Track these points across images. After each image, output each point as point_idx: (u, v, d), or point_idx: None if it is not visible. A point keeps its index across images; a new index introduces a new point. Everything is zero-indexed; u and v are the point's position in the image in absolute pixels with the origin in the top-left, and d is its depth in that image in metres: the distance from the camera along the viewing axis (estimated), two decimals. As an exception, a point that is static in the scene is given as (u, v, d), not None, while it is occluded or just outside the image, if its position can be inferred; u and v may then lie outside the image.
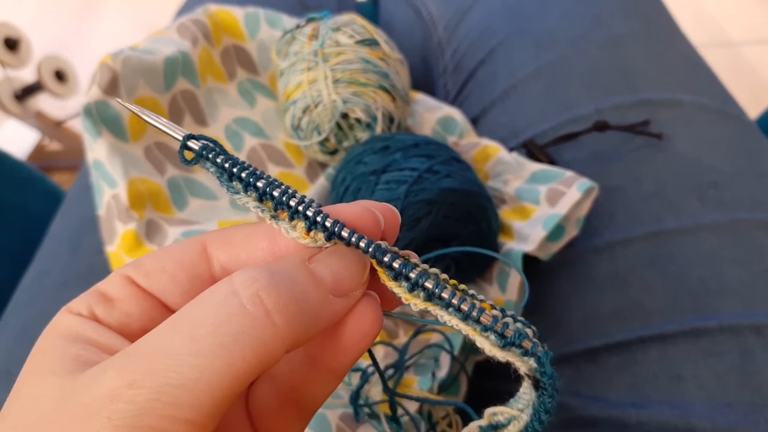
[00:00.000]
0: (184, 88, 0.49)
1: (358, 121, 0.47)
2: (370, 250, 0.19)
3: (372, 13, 0.72)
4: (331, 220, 0.19)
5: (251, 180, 0.19)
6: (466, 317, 0.18)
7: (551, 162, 0.48)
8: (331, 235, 0.19)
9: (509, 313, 0.19)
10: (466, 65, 0.59)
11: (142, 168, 0.44)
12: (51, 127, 1.29)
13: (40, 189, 0.70)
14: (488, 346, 0.18)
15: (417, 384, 0.37)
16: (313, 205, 0.19)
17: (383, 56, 0.47)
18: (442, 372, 0.39)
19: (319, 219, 0.19)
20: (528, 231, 0.43)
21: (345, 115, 0.46)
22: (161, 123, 0.20)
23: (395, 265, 0.19)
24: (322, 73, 0.45)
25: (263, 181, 0.20)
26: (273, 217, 0.20)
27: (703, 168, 0.45)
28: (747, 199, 0.43)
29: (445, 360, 0.40)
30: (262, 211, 0.20)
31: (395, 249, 0.20)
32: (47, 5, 1.72)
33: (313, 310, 0.17)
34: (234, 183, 0.20)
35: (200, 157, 0.20)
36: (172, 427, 0.15)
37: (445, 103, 0.55)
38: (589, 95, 0.50)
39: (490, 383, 0.44)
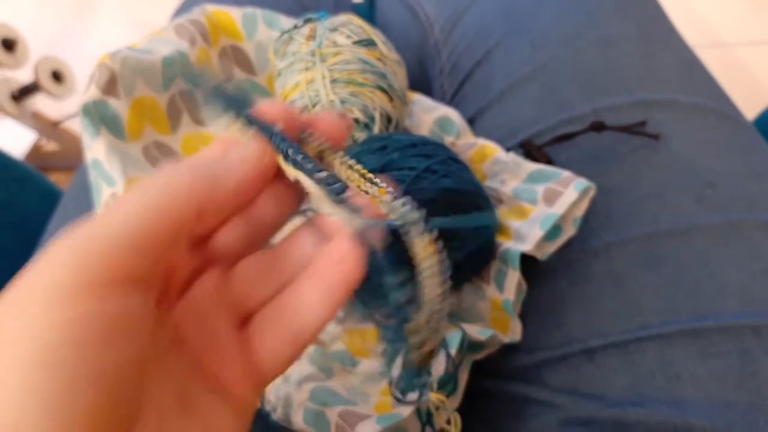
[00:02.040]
0: (183, 88, 0.49)
1: (356, 121, 0.47)
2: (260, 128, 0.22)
3: (368, 14, 0.72)
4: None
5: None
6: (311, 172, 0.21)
7: (549, 162, 0.48)
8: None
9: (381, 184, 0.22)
10: (463, 66, 0.59)
11: (141, 167, 0.44)
12: (48, 127, 1.29)
13: (37, 188, 0.69)
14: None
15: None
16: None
17: (381, 57, 0.47)
18: (439, 371, 0.39)
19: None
20: (525, 231, 0.44)
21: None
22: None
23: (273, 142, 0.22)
24: (319, 73, 0.45)
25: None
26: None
27: (700, 168, 0.45)
28: (744, 200, 0.43)
29: (440, 360, 0.40)
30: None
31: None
32: (44, 6, 1.71)
33: (218, 169, 0.22)
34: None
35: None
36: (128, 257, 0.18)
37: (442, 103, 0.55)
38: (586, 96, 0.51)
39: (487, 382, 0.44)
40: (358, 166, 0.23)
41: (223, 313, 0.23)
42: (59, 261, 0.18)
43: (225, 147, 0.23)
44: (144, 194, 0.19)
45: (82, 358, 0.17)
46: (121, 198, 0.20)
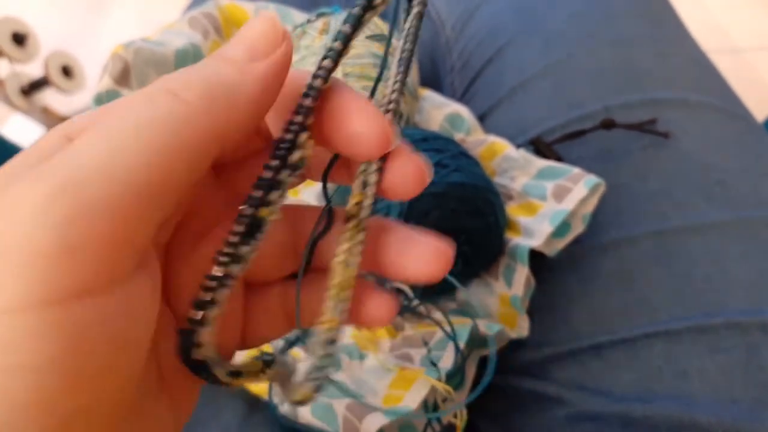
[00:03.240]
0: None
1: (367, 115, 0.47)
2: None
3: (380, 12, 0.72)
4: None
5: None
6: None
7: (558, 159, 0.48)
8: None
9: None
10: (474, 64, 0.60)
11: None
12: (57, 122, 1.29)
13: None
14: None
15: (425, 374, 0.37)
16: None
17: (393, 51, 0.47)
18: (447, 363, 0.39)
19: None
20: (534, 227, 0.44)
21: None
22: None
23: None
24: (332, 67, 0.45)
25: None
26: None
27: (710, 167, 0.45)
28: (753, 198, 0.44)
29: (449, 353, 0.40)
30: None
31: None
32: (55, 1, 1.72)
33: (230, 80, 0.16)
34: None
35: None
36: (97, 222, 0.13)
37: (452, 100, 0.55)
38: (597, 94, 0.51)
39: (496, 377, 0.44)
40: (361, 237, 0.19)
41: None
42: (16, 229, 0.12)
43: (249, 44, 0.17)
44: (146, 123, 0.14)
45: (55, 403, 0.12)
46: (111, 124, 0.14)
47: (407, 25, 0.20)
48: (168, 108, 0.14)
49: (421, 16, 0.20)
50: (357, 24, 0.18)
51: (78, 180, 0.13)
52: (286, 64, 0.17)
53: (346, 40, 0.17)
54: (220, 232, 0.19)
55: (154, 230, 0.14)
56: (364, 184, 0.19)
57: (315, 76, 0.17)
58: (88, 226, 0.12)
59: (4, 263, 0.12)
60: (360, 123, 0.17)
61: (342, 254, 0.18)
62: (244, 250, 0.17)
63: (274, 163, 0.17)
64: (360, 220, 0.19)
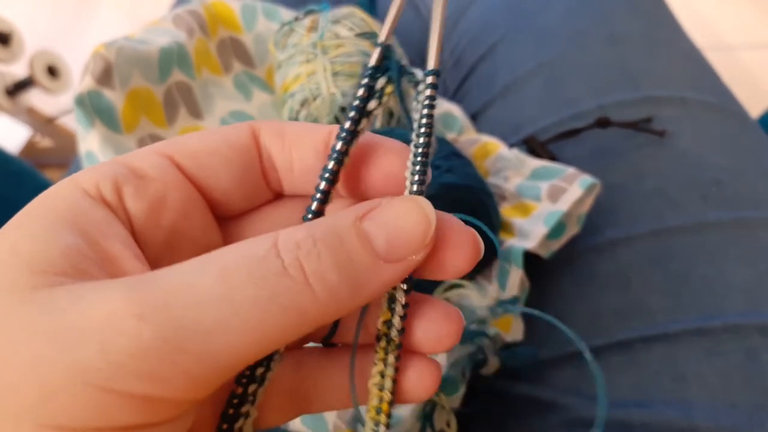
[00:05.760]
0: (179, 79, 0.48)
1: (357, 115, 0.46)
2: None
3: (369, 9, 0.71)
4: None
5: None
6: None
7: (552, 158, 0.47)
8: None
9: None
10: (466, 61, 0.59)
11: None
12: (42, 123, 1.28)
13: (31, 183, 0.68)
14: None
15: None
16: None
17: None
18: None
19: None
20: (529, 228, 0.43)
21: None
22: None
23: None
24: (321, 66, 0.44)
25: None
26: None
27: (706, 166, 0.45)
28: (750, 198, 0.43)
29: (441, 357, 0.39)
30: None
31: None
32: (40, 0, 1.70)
33: (358, 279, 0.15)
34: None
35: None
36: (172, 374, 0.12)
37: (444, 99, 0.54)
38: (591, 92, 0.50)
39: (489, 383, 0.44)
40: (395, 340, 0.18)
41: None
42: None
43: (356, 211, 0.16)
44: (265, 298, 0.13)
45: None
46: (228, 266, 0.14)
47: (421, 98, 0.18)
48: (297, 294, 0.14)
49: (435, 87, 0.19)
50: (351, 141, 0.18)
51: (183, 324, 0.13)
52: (413, 268, 0.16)
53: (340, 158, 0.18)
54: None
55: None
56: (391, 301, 0.18)
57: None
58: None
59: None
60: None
61: (376, 376, 0.18)
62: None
63: None
64: (391, 339, 0.18)
